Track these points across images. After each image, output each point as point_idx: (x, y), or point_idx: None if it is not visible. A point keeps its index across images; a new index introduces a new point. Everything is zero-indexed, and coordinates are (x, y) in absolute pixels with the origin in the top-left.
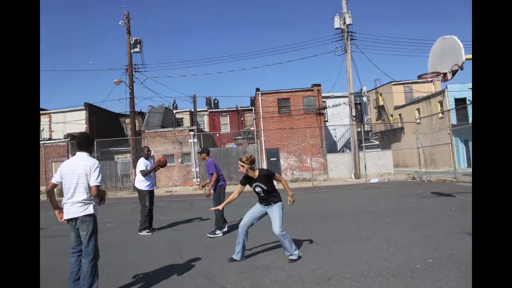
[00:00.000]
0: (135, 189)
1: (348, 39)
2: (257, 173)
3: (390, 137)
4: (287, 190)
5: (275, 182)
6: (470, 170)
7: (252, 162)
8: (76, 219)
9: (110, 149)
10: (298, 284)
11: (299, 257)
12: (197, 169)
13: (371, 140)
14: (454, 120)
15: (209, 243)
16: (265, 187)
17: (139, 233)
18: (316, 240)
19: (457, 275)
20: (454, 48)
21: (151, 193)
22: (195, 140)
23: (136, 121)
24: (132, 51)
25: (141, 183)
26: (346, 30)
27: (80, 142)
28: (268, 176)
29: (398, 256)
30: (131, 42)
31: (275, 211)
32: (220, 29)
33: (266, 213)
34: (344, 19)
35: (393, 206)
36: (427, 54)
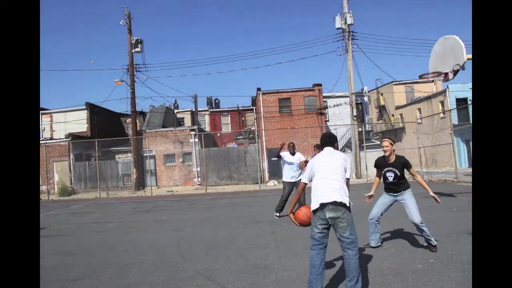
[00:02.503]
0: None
1: (349, 38)
2: (394, 158)
3: (391, 137)
4: (426, 187)
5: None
6: (471, 170)
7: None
8: None
9: (111, 148)
10: (298, 283)
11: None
12: (198, 169)
13: (372, 140)
14: (455, 120)
15: (210, 243)
16: (398, 173)
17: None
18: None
19: (458, 275)
20: (455, 48)
21: (291, 184)
22: (196, 140)
23: (137, 121)
24: (133, 50)
25: (285, 175)
26: (347, 30)
27: None
28: (405, 164)
29: (399, 256)
30: (132, 41)
31: (408, 199)
32: (221, 29)
33: (395, 201)
34: (345, 19)
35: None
36: (428, 54)
